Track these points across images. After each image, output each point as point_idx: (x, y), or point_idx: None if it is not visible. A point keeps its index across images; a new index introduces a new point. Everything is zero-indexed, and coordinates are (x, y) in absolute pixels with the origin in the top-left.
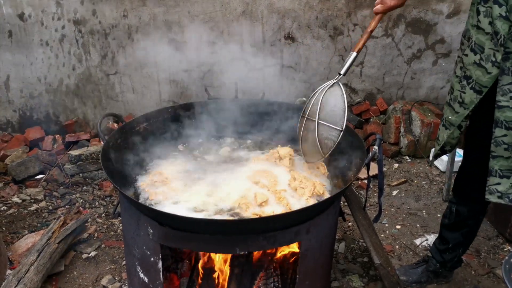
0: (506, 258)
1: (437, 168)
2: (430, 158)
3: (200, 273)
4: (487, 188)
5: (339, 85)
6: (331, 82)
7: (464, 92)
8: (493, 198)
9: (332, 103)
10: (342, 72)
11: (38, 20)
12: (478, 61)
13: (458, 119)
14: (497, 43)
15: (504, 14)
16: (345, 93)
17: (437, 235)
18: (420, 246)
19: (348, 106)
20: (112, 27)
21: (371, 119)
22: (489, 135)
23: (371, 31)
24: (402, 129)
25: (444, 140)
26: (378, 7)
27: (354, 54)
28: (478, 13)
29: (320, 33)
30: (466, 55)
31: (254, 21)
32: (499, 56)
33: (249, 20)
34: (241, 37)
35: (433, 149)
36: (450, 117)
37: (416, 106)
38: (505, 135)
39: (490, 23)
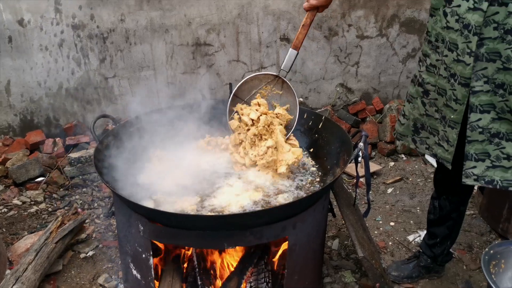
0: (486, 249)
1: (432, 165)
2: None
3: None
4: (463, 172)
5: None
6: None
7: (455, 89)
8: (469, 181)
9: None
10: (282, 66)
11: (37, 26)
12: (456, 57)
13: (459, 116)
14: (469, 35)
15: (472, 6)
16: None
17: None
18: (413, 242)
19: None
20: (110, 31)
21: (367, 119)
22: (464, 123)
23: (304, 25)
24: None
25: (455, 140)
26: (305, 4)
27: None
28: (446, 14)
29: (315, 34)
30: (446, 55)
31: (250, 23)
32: (473, 46)
33: (245, 22)
34: (237, 39)
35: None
36: (452, 116)
37: None
38: (479, 119)
39: (457, 20)
